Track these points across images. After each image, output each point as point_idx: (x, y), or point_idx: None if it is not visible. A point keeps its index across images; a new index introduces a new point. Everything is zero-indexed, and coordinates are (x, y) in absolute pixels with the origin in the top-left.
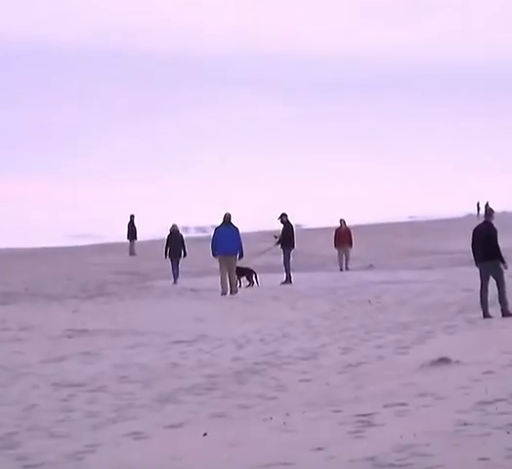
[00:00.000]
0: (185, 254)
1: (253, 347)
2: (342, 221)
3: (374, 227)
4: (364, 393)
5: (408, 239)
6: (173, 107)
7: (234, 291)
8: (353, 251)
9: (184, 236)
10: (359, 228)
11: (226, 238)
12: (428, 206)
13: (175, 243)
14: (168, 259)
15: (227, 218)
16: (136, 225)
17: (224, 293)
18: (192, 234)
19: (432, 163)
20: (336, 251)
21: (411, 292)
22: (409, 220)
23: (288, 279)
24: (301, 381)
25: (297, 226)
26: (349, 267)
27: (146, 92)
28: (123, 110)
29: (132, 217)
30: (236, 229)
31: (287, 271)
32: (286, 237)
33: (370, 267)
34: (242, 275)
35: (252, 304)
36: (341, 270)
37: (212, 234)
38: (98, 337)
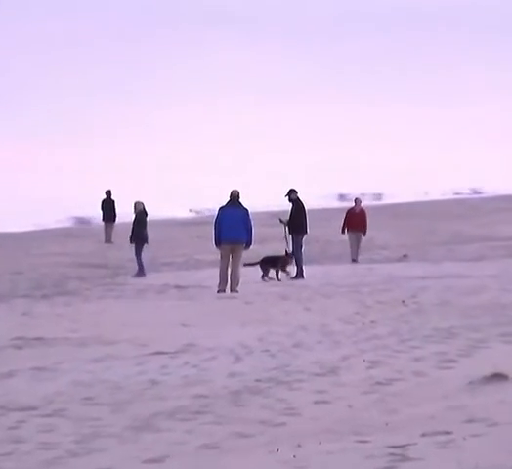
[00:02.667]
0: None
1: (255, 359)
2: (357, 200)
3: (410, 206)
4: (397, 418)
5: (454, 222)
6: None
7: (234, 289)
8: (381, 238)
9: (147, 218)
10: (389, 208)
11: (232, 222)
12: (480, 180)
13: (139, 226)
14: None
15: (234, 196)
16: (115, 203)
17: (221, 290)
18: (182, 216)
19: (486, 123)
20: (347, 238)
21: (457, 290)
22: (456, 197)
23: (300, 274)
24: (316, 403)
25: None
26: (358, 258)
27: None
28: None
29: (108, 193)
30: (246, 210)
31: (298, 263)
32: (296, 220)
33: (404, 257)
34: (274, 265)
35: (254, 304)
36: (354, 260)
37: (215, 216)
38: (55, 347)
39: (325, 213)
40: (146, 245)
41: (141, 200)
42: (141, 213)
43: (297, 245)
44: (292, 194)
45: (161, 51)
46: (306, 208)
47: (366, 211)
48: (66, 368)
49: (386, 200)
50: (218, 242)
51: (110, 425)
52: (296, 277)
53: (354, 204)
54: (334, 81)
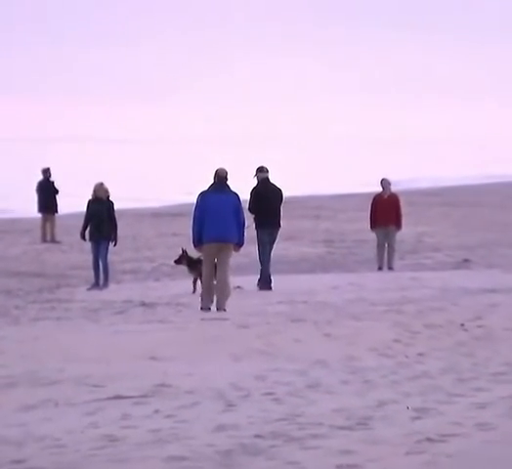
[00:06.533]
0: (115, 238)
1: (253, 406)
2: (384, 182)
3: (468, 190)
4: None
5: None
6: None
7: (221, 305)
8: (432, 236)
9: (114, 205)
10: (439, 192)
11: (218, 213)
12: None
13: (99, 217)
14: (89, 242)
15: (220, 177)
16: (56, 186)
17: (206, 308)
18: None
19: None
20: (375, 235)
21: None
22: None
23: (265, 280)
24: (340, 468)
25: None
26: (393, 265)
27: None
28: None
29: (46, 172)
30: (235, 196)
31: (263, 264)
32: (258, 207)
33: (465, 263)
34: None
35: (252, 329)
36: (380, 268)
37: (194, 205)
38: None
39: (357, 201)
40: (110, 244)
41: (101, 181)
42: (99, 198)
43: (261, 242)
44: (259, 174)
45: None
46: (281, 194)
47: (399, 197)
48: None
49: (435, 183)
50: (198, 242)
51: None
52: (262, 285)
53: (381, 189)
54: None
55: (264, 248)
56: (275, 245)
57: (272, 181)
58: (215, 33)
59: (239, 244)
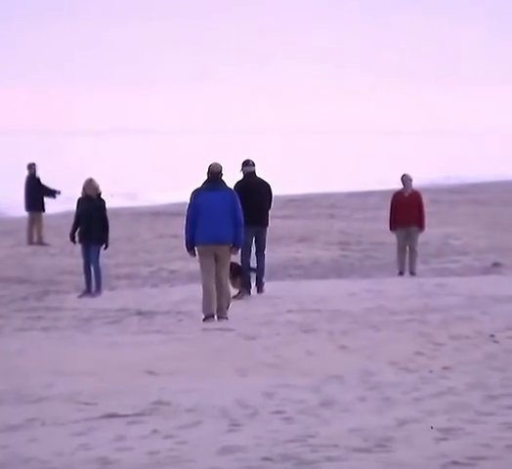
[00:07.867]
0: (106, 240)
1: (261, 426)
2: (405, 179)
3: (498, 187)
4: None
5: None
6: None
7: (222, 313)
8: (459, 237)
9: (106, 204)
10: (467, 190)
11: (211, 212)
12: None
13: (88, 216)
14: (79, 244)
15: (214, 173)
16: (42, 182)
17: (210, 316)
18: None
19: None
20: (395, 237)
21: None
22: None
23: (245, 287)
24: None
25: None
26: (415, 270)
27: None
28: None
29: (31, 167)
30: (232, 193)
31: (243, 272)
32: (242, 203)
33: (495, 268)
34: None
35: (260, 340)
36: (401, 273)
37: (187, 204)
38: None
39: (376, 199)
40: (101, 247)
41: (91, 177)
42: (89, 197)
43: (246, 244)
44: (245, 168)
45: None
46: (269, 188)
47: (422, 194)
48: None
49: (461, 179)
50: (191, 243)
51: None
52: (238, 294)
53: (402, 186)
54: None
55: (246, 249)
56: (267, 248)
57: (258, 175)
58: (216, 28)
59: (236, 245)
